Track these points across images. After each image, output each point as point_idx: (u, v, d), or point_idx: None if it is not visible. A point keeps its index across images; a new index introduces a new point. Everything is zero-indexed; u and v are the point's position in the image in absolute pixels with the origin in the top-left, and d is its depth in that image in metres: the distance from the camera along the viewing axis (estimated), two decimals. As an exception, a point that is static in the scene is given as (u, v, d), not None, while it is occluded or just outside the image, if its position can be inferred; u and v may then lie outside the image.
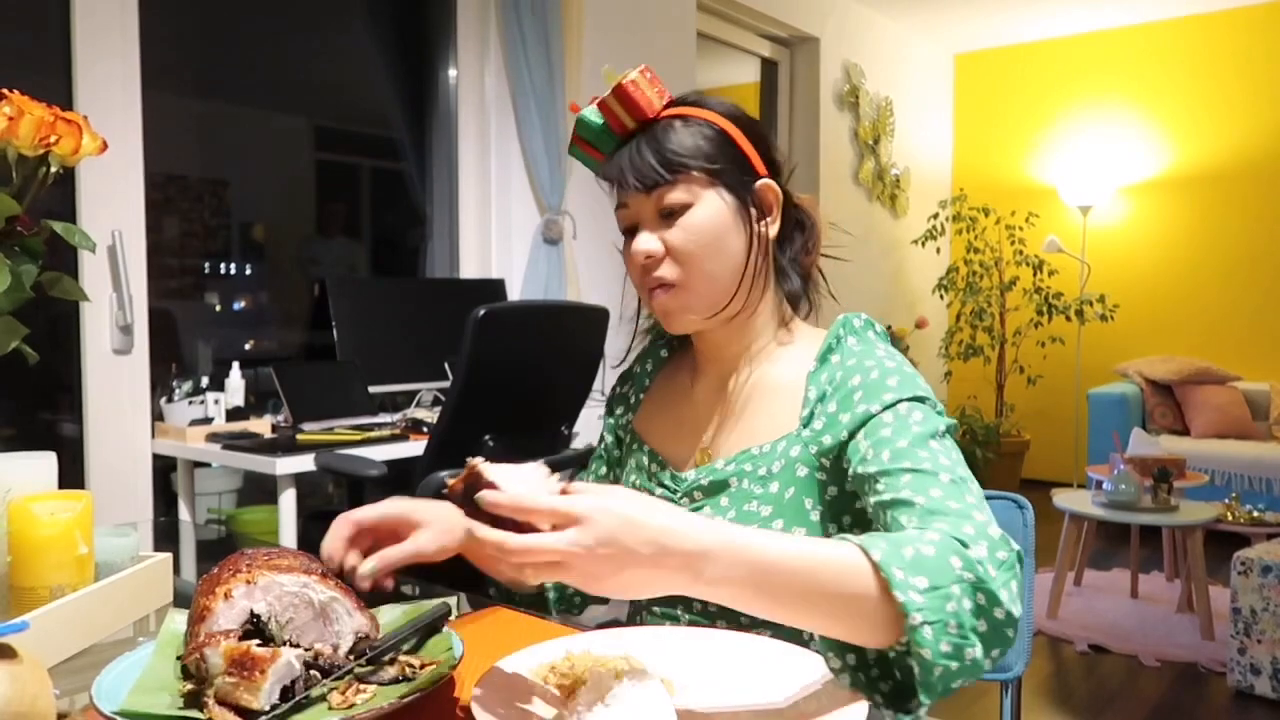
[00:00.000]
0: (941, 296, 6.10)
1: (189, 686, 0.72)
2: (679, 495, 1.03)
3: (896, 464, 0.86)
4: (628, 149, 0.99)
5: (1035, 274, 5.60)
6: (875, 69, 5.49)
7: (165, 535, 1.73)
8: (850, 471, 0.91)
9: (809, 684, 0.77)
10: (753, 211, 1.00)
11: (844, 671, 0.76)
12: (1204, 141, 5.54)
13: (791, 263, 1.05)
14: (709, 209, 0.97)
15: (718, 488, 1.00)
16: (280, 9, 3.22)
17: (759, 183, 1.01)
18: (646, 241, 0.99)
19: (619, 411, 1.17)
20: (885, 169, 5.59)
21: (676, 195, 0.97)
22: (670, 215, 0.98)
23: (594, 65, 3.57)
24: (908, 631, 0.71)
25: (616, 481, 1.17)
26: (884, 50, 5.62)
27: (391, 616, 0.86)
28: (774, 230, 1.02)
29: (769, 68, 5.10)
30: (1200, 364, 5.24)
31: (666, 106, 1.00)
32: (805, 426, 0.97)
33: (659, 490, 1.05)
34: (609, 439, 1.19)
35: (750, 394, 1.04)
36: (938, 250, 6.14)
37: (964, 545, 0.75)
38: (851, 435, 0.91)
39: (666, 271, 0.98)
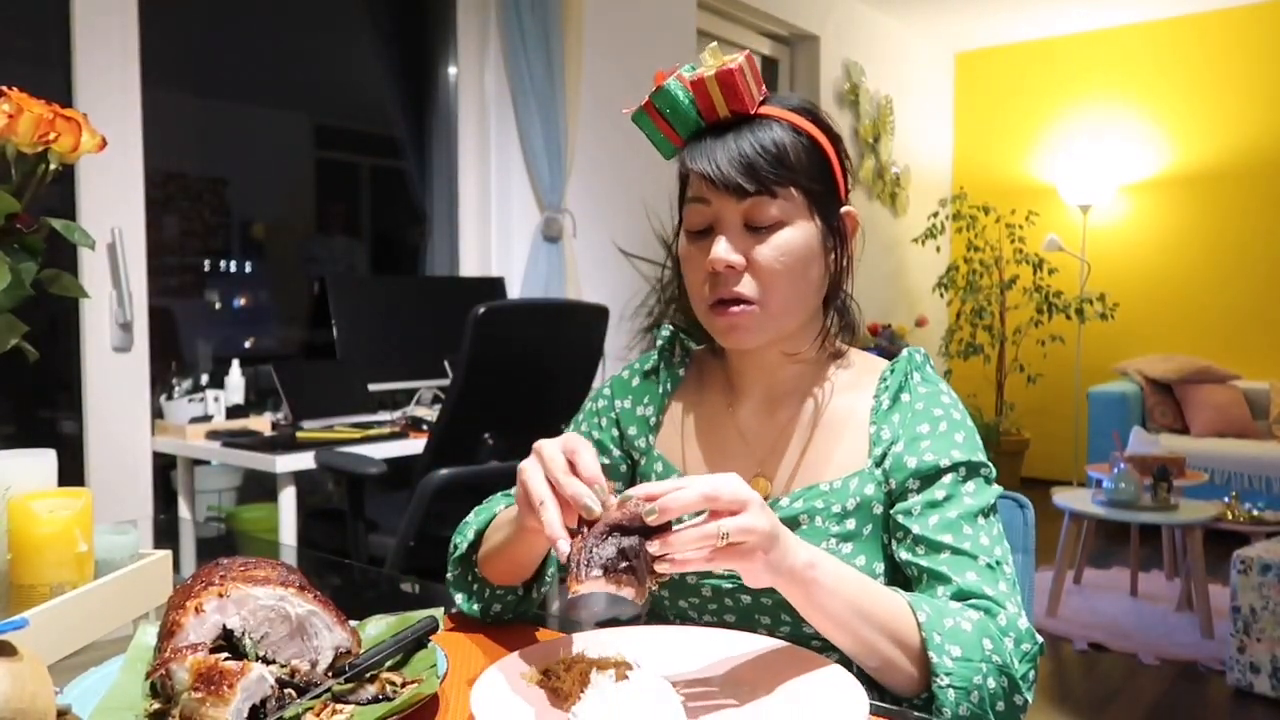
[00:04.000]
0: (941, 295, 6.10)
1: (155, 705, 0.69)
2: None
3: (939, 535, 0.88)
4: (724, 142, 0.89)
5: (1035, 273, 5.60)
6: (875, 67, 5.49)
7: (165, 533, 1.73)
8: (892, 510, 0.93)
9: (809, 683, 0.77)
10: (836, 241, 0.96)
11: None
12: (1204, 141, 5.53)
13: (839, 286, 1.02)
14: (802, 232, 0.92)
15: (787, 525, 0.94)
16: (280, 7, 3.21)
17: (844, 209, 0.97)
18: (728, 250, 0.90)
19: (631, 431, 1.06)
20: (885, 167, 5.59)
21: (774, 210, 0.90)
22: (760, 228, 0.91)
23: (595, 63, 3.57)
24: (934, 689, 0.78)
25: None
26: (884, 49, 5.61)
27: (376, 630, 0.83)
28: (844, 262, 0.98)
29: (769, 66, 5.09)
30: (1200, 363, 5.24)
31: (762, 103, 0.93)
32: (877, 466, 0.94)
33: None
34: (601, 450, 1.07)
35: (812, 425, 0.98)
36: (938, 249, 6.14)
37: (1003, 634, 0.83)
38: (914, 481, 0.92)
39: (746, 288, 0.91)
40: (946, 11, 5.57)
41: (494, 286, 3.20)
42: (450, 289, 3.19)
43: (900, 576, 0.96)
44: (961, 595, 0.85)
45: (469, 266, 3.45)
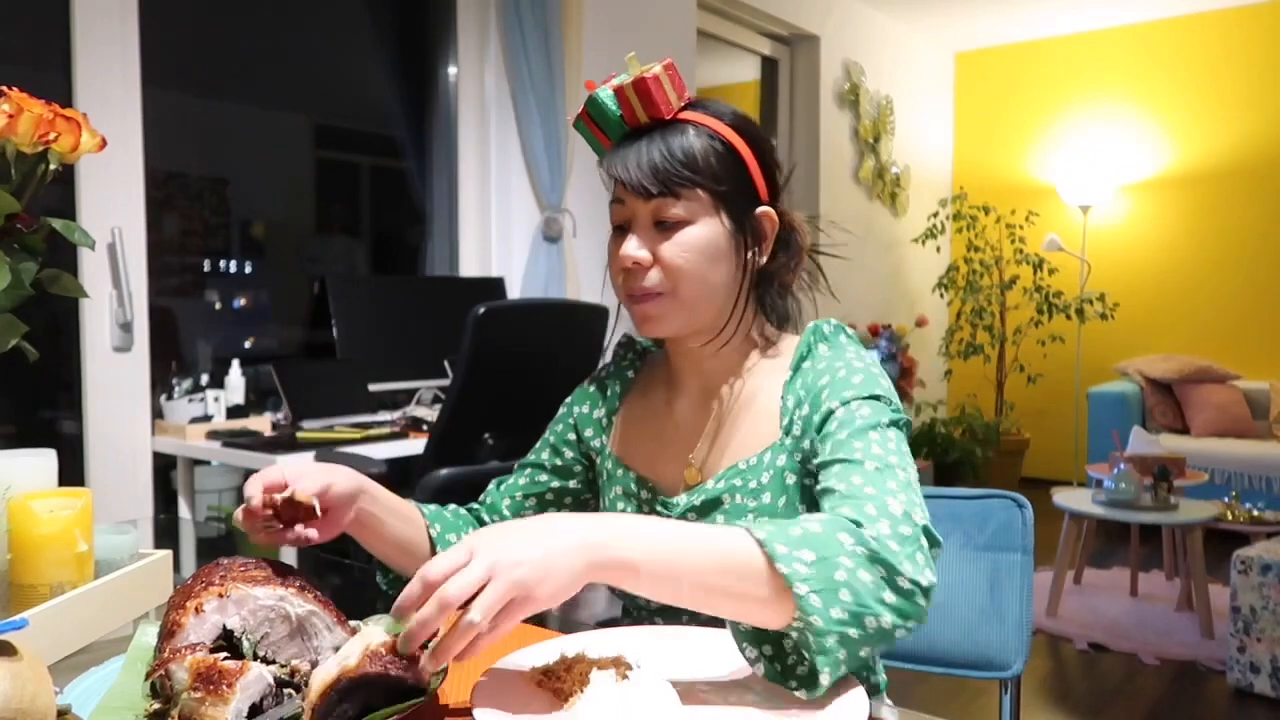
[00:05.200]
0: (941, 295, 6.10)
1: (155, 705, 0.69)
2: (672, 519, 1.00)
3: (834, 455, 0.88)
4: (636, 148, 0.96)
5: (1035, 272, 5.60)
6: (876, 67, 5.49)
7: (165, 533, 1.73)
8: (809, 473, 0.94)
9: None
10: (748, 239, 0.99)
11: (760, 661, 0.75)
12: (1204, 141, 5.53)
13: (770, 280, 1.04)
14: (706, 231, 0.96)
15: (711, 506, 0.99)
16: (280, 7, 3.21)
17: (759, 210, 1.00)
18: (636, 248, 0.97)
19: (588, 434, 1.12)
20: (885, 167, 5.59)
21: (676, 210, 0.95)
22: (666, 226, 0.96)
23: (594, 63, 3.56)
24: (796, 602, 0.71)
25: (570, 497, 1.14)
26: (884, 48, 5.61)
27: (378, 628, 0.84)
28: (764, 259, 1.01)
29: (769, 66, 5.09)
30: (1200, 363, 5.24)
31: (684, 108, 0.98)
32: (787, 435, 0.97)
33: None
34: (554, 452, 1.14)
35: (732, 408, 1.03)
36: (938, 249, 6.14)
37: (858, 524, 0.77)
38: (819, 432, 0.93)
39: (651, 281, 0.97)
40: (946, 11, 5.57)
41: (494, 286, 3.20)
42: (450, 289, 3.19)
43: None
44: (843, 499, 0.81)
45: (469, 266, 3.45)
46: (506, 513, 1.12)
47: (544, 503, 1.13)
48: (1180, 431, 5.10)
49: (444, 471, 2.18)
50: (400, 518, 1.01)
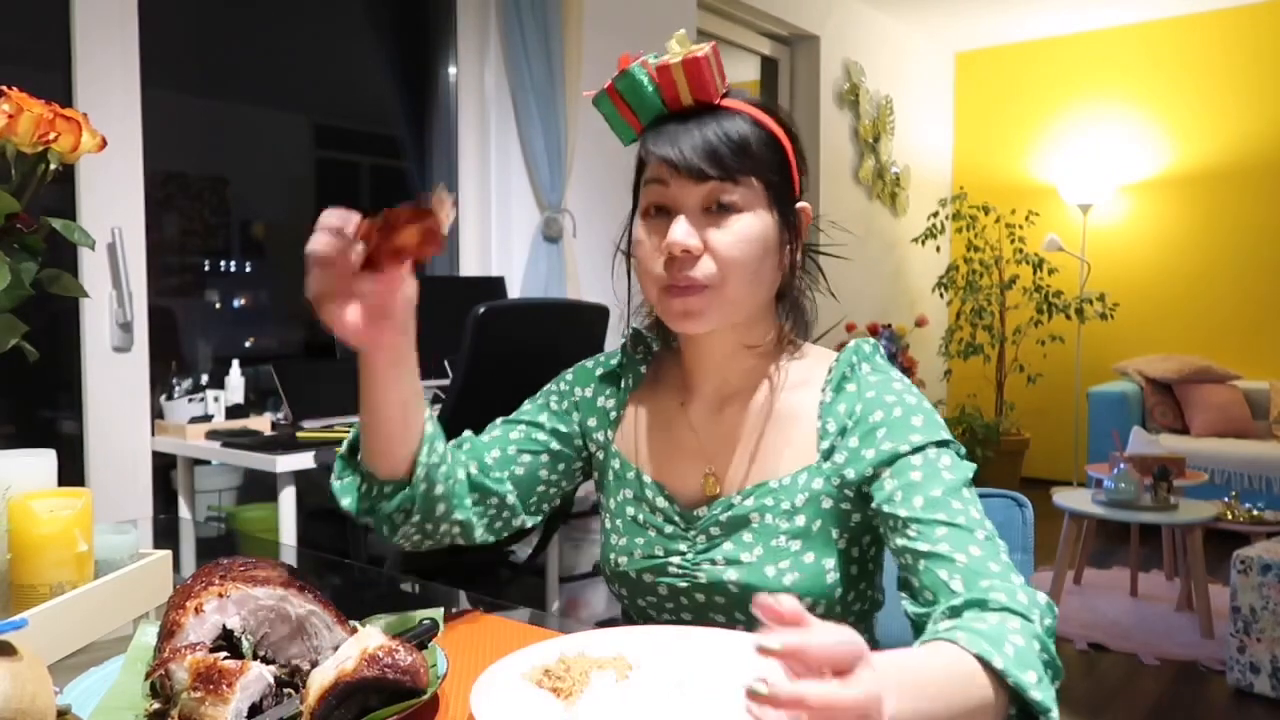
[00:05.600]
0: (941, 295, 6.09)
1: (155, 705, 0.69)
2: (693, 532, 0.98)
3: (930, 514, 0.86)
4: (686, 129, 0.89)
5: (1035, 272, 5.60)
6: (876, 67, 5.49)
7: (165, 533, 1.73)
8: (874, 505, 0.90)
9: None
10: (790, 235, 0.95)
11: None
12: (1204, 141, 5.53)
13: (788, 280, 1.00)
14: (761, 222, 0.91)
15: (738, 524, 0.95)
16: (280, 7, 3.21)
17: (799, 204, 0.97)
18: (687, 234, 0.89)
19: (591, 422, 1.07)
20: (885, 167, 5.59)
21: (735, 195, 0.90)
22: (718, 213, 0.90)
23: (594, 62, 3.57)
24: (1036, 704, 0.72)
25: (561, 465, 1.07)
26: (884, 48, 5.61)
27: (375, 630, 0.84)
28: (798, 256, 0.97)
29: (769, 66, 5.09)
30: (1200, 363, 5.24)
31: (724, 96, 0.93)
32: (825, 459, 0.94)
33: (669, 527, 0.99)
34: (555, 416, 1.08)
35: (760, 422, 0.99)
36: (938, 249, 6.14)
37: (1028, 620, 0.78)
38: (876, 472, 0.90)
39: (702, 272, 0.90)
40: (946, 11, 5.57)
41: (494, 286, 3.20)
42: (450, 289, 3.19)
43: (856, 567, 0.97)
44: (973, 574, 0.82)
45: (469, 266, 3.45)
46: (490, 462, 1.03)
47: (537, 462, 1.06)
48: (1180, 431, 5.10)
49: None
50: (419, 396, 0.95)
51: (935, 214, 5.81)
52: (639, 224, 0.96)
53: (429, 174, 3.50)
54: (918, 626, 0.84)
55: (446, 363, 2.85)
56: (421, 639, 0.80)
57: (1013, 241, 5.74)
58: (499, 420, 1.10)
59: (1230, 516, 3.74)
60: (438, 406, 2.74)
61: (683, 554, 0.97)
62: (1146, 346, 5.65)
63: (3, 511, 0.94)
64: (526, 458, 1.05)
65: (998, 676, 0.71)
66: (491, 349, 2.24)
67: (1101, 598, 3.76)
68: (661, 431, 1.03)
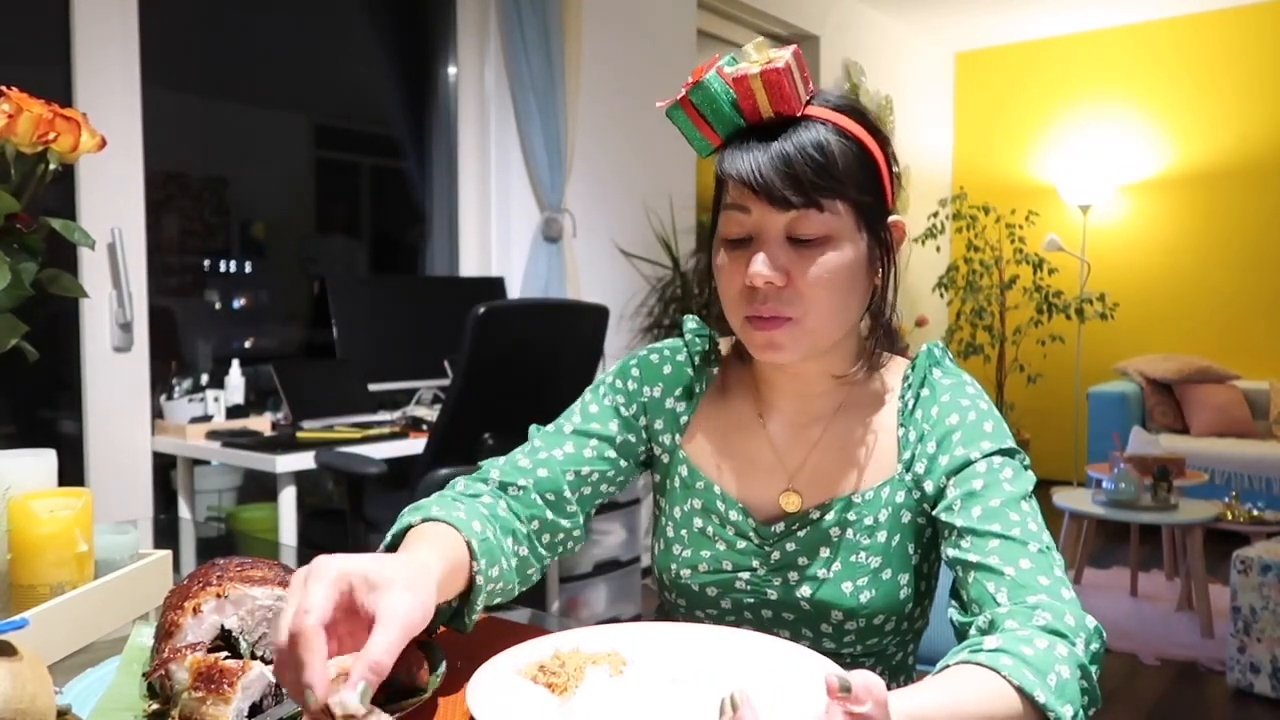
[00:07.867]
0: (941, 295, 6.09)
1: (154, 706, 0.68)
2: (768, 548, 0.95)
3: (985, 525, 0.83)
4: (766, 148, 0.83)
5: (1035, 272, 5.59)
6: (875, 67, 5.49)
7: (165, 533, 1.73)
8: (934, 512, 0.89)
9: (807, 682, 0.76)
10: (883, 255, 0.90)
11: None
12: (1204, 141, 5.53)
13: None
14: (849, 250, 0.86)
15: (816, 540, 0.93)
16: (280, 7, 3.21)
17: (892, 219, 0.91)
18: (768, 266, 0.84)
19: (658, 425, 1.01)
20: (885, 167, 5.58)
21: (820, 225, 0.84)
22: (804, 244, 0.85)
23: (594, 63, 3.57)
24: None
25: (621, 478, 1.01)
26: (884, 49, 5.61)
27: None
28: (892, 273, 0.92)
29: (769, 66, 5.09)
30: (1200, 363, 5.24)
31: (807, 103, 0.86)
32: (907, 470, 0.92)
33: (741, 542, 0.95)
34: (625, 425, 1.00)
35: (842, 436, 0.95)
36: (938, 249, 6.14)
37: (1072, 644, 0.74)
38: (948, 479, 0.88)
39: (785, 306, 0.85)
40: (946, 11, 5.57)
41: (494, 286, 3.20)
42: (450, 289, 3.19)
43: (925, 583, 0.95)
44: (1019, 588, 0.79)
45: (469, 266, 3.45)
46: (567, 493, 0.95)
47: (603, 478, 0.99)
48: (1180, 431, 5.10)
49: (444, 471, 2.18)
50: (454, 571, 0.78)
51: (935, 214, 5.80)
52: (720, 251, 0.90)
53: (429, 174, 3.50)
54: (960, 634, 0.82)
55: (446, 363, 2.85)
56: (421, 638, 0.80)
57: (1013, 241, 5.74)
58: (567, 428, 1.00)
59: (1230, 516, 3.74)
60: (438, 407, 2.75)
61: (754, 569, 0.95)
62: (1146, 346, 5.65)
63: (3, 511, 0.94)
64: (595, 476, 0.99)
65: (1037, 708, 0.69)
66: (491, 349, 2.24)
67: (1102, 598, 3.76)
68: (737, 444, 0.98)
